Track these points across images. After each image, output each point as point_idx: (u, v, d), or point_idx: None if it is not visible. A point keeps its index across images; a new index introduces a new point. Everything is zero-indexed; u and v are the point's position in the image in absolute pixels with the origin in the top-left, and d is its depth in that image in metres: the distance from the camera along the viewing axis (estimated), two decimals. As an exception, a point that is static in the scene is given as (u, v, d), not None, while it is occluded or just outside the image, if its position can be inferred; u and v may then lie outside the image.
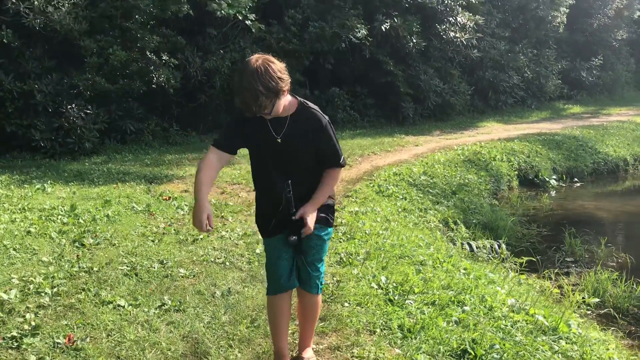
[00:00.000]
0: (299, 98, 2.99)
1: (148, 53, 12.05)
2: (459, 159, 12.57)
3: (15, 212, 6.40)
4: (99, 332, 3.59)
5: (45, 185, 7.88)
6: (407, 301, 4.30)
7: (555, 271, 6.81)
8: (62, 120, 10.83)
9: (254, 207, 3.24)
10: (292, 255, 3.15)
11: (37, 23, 10.56)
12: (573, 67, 26.30)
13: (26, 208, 6.56)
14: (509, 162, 13.22)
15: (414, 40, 17.04)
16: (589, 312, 5.80)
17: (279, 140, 2.94)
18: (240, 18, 13.04)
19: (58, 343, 3.39)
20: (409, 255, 5.62)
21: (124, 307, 3.96)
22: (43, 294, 4.08)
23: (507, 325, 4.12)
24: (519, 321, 4.24)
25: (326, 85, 17.09)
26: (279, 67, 2.78)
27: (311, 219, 2.95)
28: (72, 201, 6.87)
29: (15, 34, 10.64)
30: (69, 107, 10.90)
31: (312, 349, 3.49)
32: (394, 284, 4.62)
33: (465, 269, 5.62)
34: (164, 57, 12.31)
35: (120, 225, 6.05)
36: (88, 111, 11.22)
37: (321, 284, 3.25)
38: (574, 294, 6.00)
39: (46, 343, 3.40)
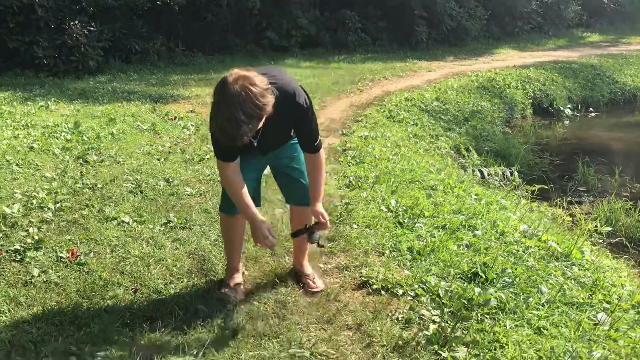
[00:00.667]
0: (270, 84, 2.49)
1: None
2: (472, 85, 12.24)
3: (18, 128, 6.27)
4: (102, 248, 3.52)
5: (48, 102, 7.71)
6: (417, 224, 4.21)
7: (568, 199, 6.70)
8: (65, 37, 10.52)
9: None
10: (257, 177, 3.03)
11: None
12: (594, -8, 25.26)
13: (29, 125, 6.42)
14: (523, 90, 12.87)
15: (431, -40, 16.29)
16: (601, 240, 5.71)
17: (255, 144, 2.73)
18: None
19: (61, 257, 3.33)
20: (420, 180, 5.50)
21: (128, 223, 3.88)
22: (46, 209, 4.00)
23: (518, 251, 4.03)
24: (531, 247, 4.15)
25: (337, 7, 16.50)
26: (260, 89, 2.35)
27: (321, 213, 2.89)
28: (76, 119, 6.72)
29: (14, -56, 10.15)
30: (72, 23, 10.56)
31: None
32: (404, 208, 4.51)
33: (476, 194, 5.49)
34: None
35: (125, 144, 5.93)
36: (91, 28, 10.88)
37: None
38: (586, 222, 5.91)
39: (49, 257, 3.34)
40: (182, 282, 3.18)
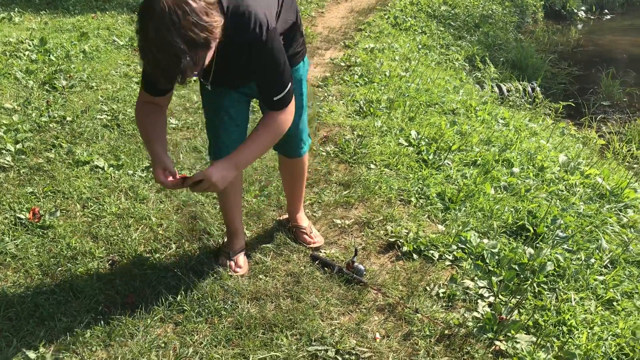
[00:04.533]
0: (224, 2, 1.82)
1: None
2: (481, -14, 11.23)
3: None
4: (72, 203, 2.89)
5: (12, 14, 6.81)
6: (444, 161, 3.59)
7: (594, 117, 6.08)
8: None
9: None
10: (245, 114, 2.31)
11: None
12: None
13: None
14: (535, -9, 11.88)
15: None
16: (636, 165, 5.14)
17: (209, 87, 2.11)
18: None
19: (20, 219, 2.71)
20: (438, 102, 4.83)
21: (103, 169, 3.24)
22: (4, 152, 3.34)
23: (563, 191, 3.46)
24: (575, 184, 3.57)
25: None
26: (201, 4, 1.64)
27: (213, 179, 1.94)
28: (43, 34, 5.88)
29: None
30: None
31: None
32: (426, 140, 3.87)
33: (503, 118, 4.85)
34: None
35: (99, 64, 5.16)
36: None
37: (305, 143, 2.49)
38: (620, 146, 5.32)
39: (5, 219, 2.72)
40: (169, 248, 2.58)
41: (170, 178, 2.00)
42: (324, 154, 3.64)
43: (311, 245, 2.64)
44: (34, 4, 7.53)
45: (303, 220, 2.74)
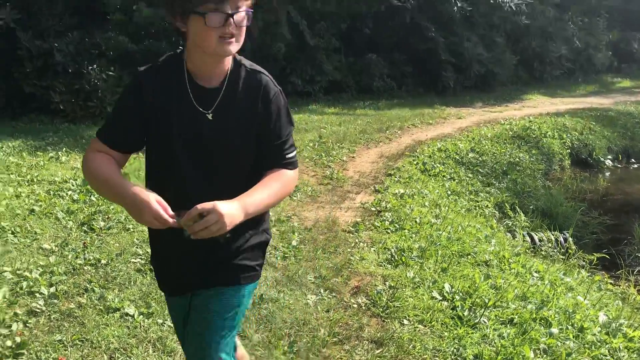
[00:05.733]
0: (237, 55, 1.82)
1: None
2: (507, 134, 11.60)
3: (23, 184, 5.71)
4: (99, 354, 2.85)
5: (59, 153, 7.19)
6: (479, 318, 3.48)
7: (633, 270, 5.92)
8: (83, 82, 10.09)
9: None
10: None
11: (58, -24, 9.77)
12: (624, 38, 24.69)
13: (35, 180, 5.86)
14: (560, 140, 12.18)
15: (459, 4, 15.85)
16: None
17: (210, 117, 1.77)
18: (274, -24, 12.09)
19: (46, 369, 2.66)
20: (470, 252, 4.79)
21: (133, 316, 3.22)
22: (37, 295, 3.36)
23: (606, 356, 3.29)
24: (618, 349, 3.40)
25: (362, 51, 16.06)
26: None
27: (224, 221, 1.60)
28: (86, 173, 6.14)
29: (34, -12, 9.88)
30: (90, 68, 10.14)
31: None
32: (461, 294, 3.79)
33: (537, 271, 4.76)
34: (192, 16, 11.45)
35: (137, 205, 5.32)
36: (111, 73, 10.46)
37: None
38: (661, 303, 5.12)
39: (31, 368, 2.68)
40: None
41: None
42: (355, 306, 3.58)
43: None
44: (81, 144, 7.96)
45: None
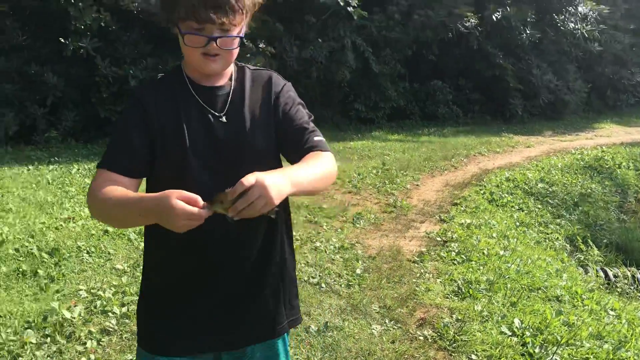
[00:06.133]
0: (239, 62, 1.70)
1: (244, 39, 11.52)
2: (578, 164, 11.22)
3: (98, 205, 5.94)
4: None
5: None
6: (552, 356, 3.34)
7: None
8: (155, 107, 10.50)
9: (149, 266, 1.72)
10: None
11: (135, 7, 10.25)
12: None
13: (109, 201, 6.09)
14: (636, 171, 11.67)
15: (528, 31, 15.59)
16: None
17: (224, 119, 1.59)
18: (342, 4, 12.26)
19: (117, 388, 2.73)
20: (541, 287, 4.62)
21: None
22: (110, 315, 3.47)
23: (692, 404, 3.07)
24: None
25: (427, 78, 16.01)
26: None
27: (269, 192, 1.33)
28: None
29: (114, 18, 10.39)
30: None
31: None
32: (531, 330, 3.65)
33: (613, 309, 4.53)
34: (260, 45, 11.75)
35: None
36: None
37: None
38: None
39: (103, 386, 2.76)
40: None
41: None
42: (421, 338, 3.51)
43: None
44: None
45: None
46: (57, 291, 3.77)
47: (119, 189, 1.45)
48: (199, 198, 1.31)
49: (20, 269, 4.09)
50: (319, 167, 1.53)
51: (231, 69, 1.65)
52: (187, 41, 1.50)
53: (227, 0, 1.48)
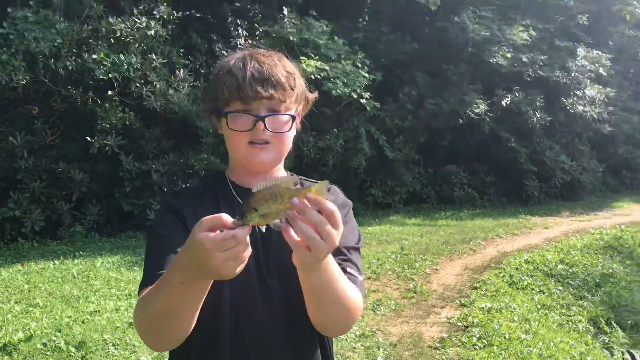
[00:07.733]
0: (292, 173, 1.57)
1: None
2: (597, 244, 11.17)
3: (122, 298, 6.07)
4: None
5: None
6: None
7: None
8: (177, 200, 10.80)
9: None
10: None
11: (158, 105, 10.80)
12: None
13: (132, 294, 6.22)
14: (657, 250, 11.55)
15: (538, 115, 15.98)
16: None
17: (264, 228, 1.42)
18: (355, 97, 12.79)
19: None
20: (565, 371, 4.58)
21: None
22: (135, 407, 3.52)
23: None
24: None
25: (442, 162, 16.32)
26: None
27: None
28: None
29: (137, 116, 10.93)
30: (183, 186, 10.88)
31: None
32: (556, 416, 3.62)
33: (640, 394, 4.46)
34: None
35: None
36: (202, 191, 11.16)
37: None
38: None
39: None
40: None
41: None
42: None
43: None
44: (173, 259, 8.41)
45: None
46: (84, 385, 3.85)
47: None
48: (222, 215, 1.11)
49: (48, 364, 4.19)
50: (350, 288, 1.35)
51: (283, 172, 1.50)
52: (232, 124, 1.37)
53: (277, 76, 1.37)
